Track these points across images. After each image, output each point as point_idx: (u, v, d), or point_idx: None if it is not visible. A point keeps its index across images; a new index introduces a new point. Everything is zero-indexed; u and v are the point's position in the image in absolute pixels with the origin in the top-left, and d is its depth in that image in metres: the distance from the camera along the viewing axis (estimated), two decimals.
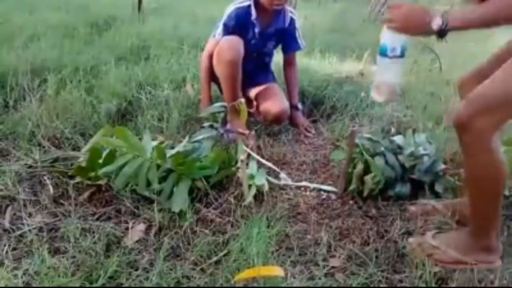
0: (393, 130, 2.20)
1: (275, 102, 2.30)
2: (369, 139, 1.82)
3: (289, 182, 1.82)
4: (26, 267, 1.23)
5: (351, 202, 1.71)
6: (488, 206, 1.30)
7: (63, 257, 1.29)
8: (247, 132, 2.01)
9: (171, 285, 1.23)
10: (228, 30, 2.23)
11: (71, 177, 1.68)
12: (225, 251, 1.36)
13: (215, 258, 1.34)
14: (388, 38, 1.35)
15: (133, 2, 4.75)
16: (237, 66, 2.19)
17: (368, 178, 1.68)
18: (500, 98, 1.18)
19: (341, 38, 4.30)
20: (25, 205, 1.51)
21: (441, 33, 1.22)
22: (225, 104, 1.98)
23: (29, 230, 1.38)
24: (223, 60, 2.17)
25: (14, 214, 1.49)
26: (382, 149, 1.78)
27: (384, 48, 1.36)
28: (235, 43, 2.17)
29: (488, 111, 1.18)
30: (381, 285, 1.29)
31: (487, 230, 1.33)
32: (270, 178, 1.79)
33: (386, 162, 1.73)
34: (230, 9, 2.26)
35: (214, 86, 2.41)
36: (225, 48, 2.16)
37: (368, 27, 5.13)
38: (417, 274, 1.30)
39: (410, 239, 1.45)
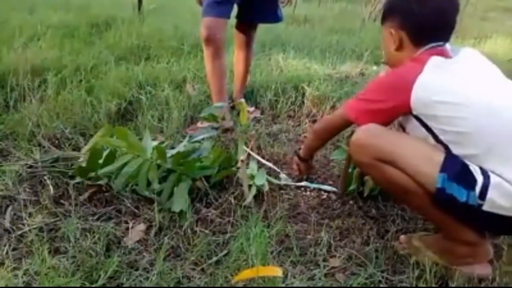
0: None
1: None
2: None
3: (289, 182, 1.82)
4: (26, 267, 1.23)
5: (351, 202, 1.71)
6: (419, 209, 1.32)
7: (63, 257, 1.29)
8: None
9: (171, 285, 1.23)
10: None
11: (72, 177, 1.68)
12: (225, 251, 1.37)
13: (215, 258, 1.34)
14: None
15: (133, 2, 4.75)
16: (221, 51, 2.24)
17: (368, 178, 1.68)
18: None
19: (341, 38, 4.30)
20: (25, 205, 1.51)
21: (299, 158, 1.78)
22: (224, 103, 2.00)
23: (30, 230, 1.38)
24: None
25: (15, 214, 1.49)
26: None
27: None
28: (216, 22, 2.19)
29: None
30: (381, 285, 1.29)
31: (451, 234, 1.30)
32: (270, 178, 1.79)
33: None
34: None
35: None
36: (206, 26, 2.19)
37: (368, 27, 5.12)
38: (417, 274, 1.30)
39: (401, 237, 1.46)
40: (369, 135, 1.29)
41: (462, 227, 1.27)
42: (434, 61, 1.25)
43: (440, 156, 1.20)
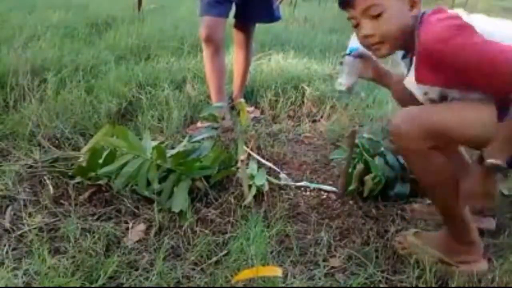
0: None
1: None
2: (369, 139, 1.82)
3: (289, 182, 1.82)
4: (26, 267, 1.23)
5: (351, 202, 1.71)
6: (446, 205, 1.29)
7: (63, 257, 1.29)
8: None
9: (171, 285, 1.23)
10: None
11: (71, 177, 1.68)
12: (225, 251, 1.37)
13: (215, 258, 1.34)
14: (355, 43, 1.48)
15: (133, 2, 4.75)
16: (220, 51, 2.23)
17: (368, 178, 1.68)
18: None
19: (341, 38, 4.30)
20: (25, 205, 1.51)
21: None
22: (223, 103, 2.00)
23: (29, 230, 1.38)
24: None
25: (14, 214, 1.49)
26: (382, 149, 1.78)
27: (351, 50, 1.52)
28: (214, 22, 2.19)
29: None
30: (381, 285, 1.29)
31: (458, 229, 1.30)
32: (270, 178, 1.79)
33: (386, 162, 1.73)
34: None
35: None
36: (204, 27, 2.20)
37: None
38: (417, 274, 1.30)
39: (397, 237, 1.45)
40: (415, 113, 1.20)
41: (471, 227, 1.29)
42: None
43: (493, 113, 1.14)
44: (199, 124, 2.24)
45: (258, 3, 2.34)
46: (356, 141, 1.72)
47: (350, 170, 1.72)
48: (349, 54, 1.52)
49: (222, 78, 2.33)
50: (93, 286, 1.19)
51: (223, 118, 2.20)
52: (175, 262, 1.32)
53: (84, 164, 1.63)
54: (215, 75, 2.29)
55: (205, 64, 2.31)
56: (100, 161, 1.60)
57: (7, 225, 1.42)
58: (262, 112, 2.57)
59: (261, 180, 1.69)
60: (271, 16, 2.43)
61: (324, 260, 1.37)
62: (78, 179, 1.66)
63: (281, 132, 2.34)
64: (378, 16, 1.23)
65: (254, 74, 2.85)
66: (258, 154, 2.01)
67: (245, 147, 1.80)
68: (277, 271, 1.14)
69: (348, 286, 1.27)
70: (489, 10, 7.88)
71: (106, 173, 1.59)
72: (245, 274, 1.12)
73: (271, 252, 1.37)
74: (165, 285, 1.22)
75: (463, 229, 1.30)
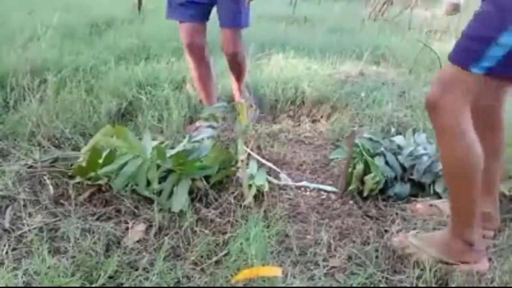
0: (393, 130, 2.20)
1: None
2: (369, 139, 1.82)
3: (289, 182, 1.82)
4: (26, 267, 1.23)
5: (351, 202, 1.71)
6: (464, 194, 1.28)
7: (63, 257, 1.29)
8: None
9: (171, 285, 1.23)
10: None
11: (71, 177, 1.68)
12: (225, 251, 1.36)
13: (215, 258, 1.34)
14: None
15: (133, 2, 4.76)
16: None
17: (368, 178, 1.68)
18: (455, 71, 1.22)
19: (341, 38, 4.30)
20: (25, 205, 1.51)
21: None
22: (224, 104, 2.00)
23: (29, 230, 1.38)
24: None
25: (14, 214, 1.49)
26: (382, 149, 1.78)
27: None
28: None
29: (450, 87, 1.22)
30: (381, 285, 1.29)
31: (464, 225, 1.30)
32: (270, 178, 1.79)
33: (386, 162, 1.73)
34: None
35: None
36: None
37: (368, 27, 5.12)
38: (417, 274, 1.30)
39: (394, 238, 1.45)
40: None
41: (474, 228, 1.30)
42: None
43: None
44: (197, 124, 2.24)
45: (223, 7, 2.23)
46: (356, 141, 1.73)
47: (350, 170, 1.72)
48: None
49: (210, 83, 2.33)
50: (93, 286, 1.19)
51: (224, 118, 2.21)
52: (175, 262, 1.32)
53: (84, 164, 1.63)
54: (202, 81, 2.30)
55: (191, 70, 2.30)
56: (100, 161, 1.60)
57: (7, 225, 1.42)
58: (262, 112, 2.56)
59: (261, 180, 1.69)
60: (233, 21, 2.26)
61: (324, 260, 1.37)
62: (78, 179, 1.66)
63: (281, 132, 2.34)
64: None
65: (254, 74, 2.85)
66: (258, 154, 2.01)
67: (245, 147, 1.80)
68: (277, 271, 1.14)
69: (348, 286, 1.27)
70: None
71: (106, 173, 1.59)
72: (245, 274, 1.13)
73: (271, 252, 1.37)
74: (165, 285, 1.22)
75: (464, 229, 1.30)
